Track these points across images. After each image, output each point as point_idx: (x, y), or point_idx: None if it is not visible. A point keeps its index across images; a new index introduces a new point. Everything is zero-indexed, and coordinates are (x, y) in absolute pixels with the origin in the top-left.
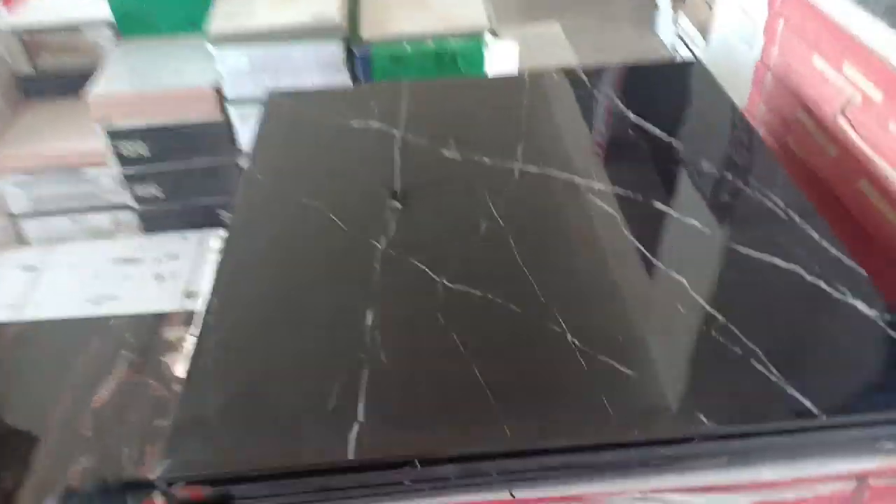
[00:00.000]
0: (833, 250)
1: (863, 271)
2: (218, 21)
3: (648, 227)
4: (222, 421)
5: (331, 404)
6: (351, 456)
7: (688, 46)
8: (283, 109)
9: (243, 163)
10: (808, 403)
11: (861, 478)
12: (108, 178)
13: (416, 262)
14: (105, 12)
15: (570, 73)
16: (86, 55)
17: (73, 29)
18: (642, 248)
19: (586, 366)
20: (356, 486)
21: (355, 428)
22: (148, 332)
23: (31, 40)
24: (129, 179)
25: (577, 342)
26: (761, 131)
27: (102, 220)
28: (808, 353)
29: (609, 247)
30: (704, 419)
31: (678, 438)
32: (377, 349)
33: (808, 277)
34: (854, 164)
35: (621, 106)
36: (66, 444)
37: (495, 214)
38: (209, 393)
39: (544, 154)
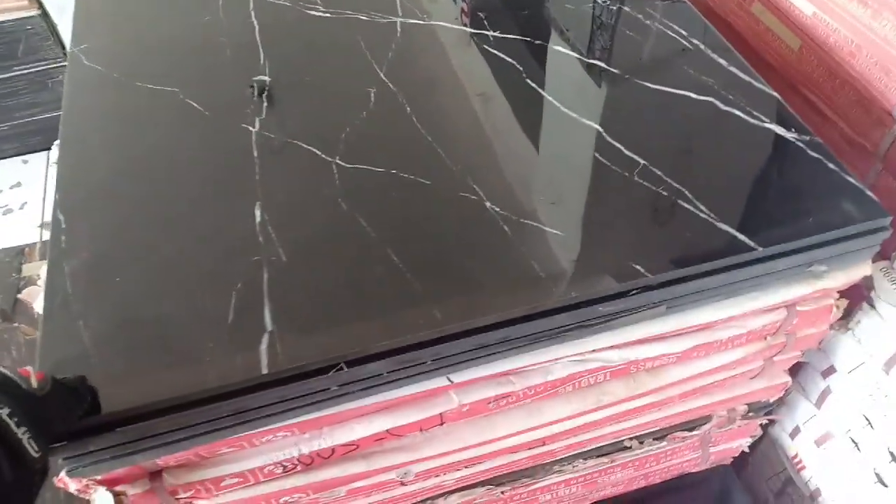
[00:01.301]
0: (744, 76)
1: (776, 94)
2: None
3: (553, 75)
4: (101, 356)
5: (230, 316)
6: (265, 370)
7: None
8: None
9: None
10: (743, 237)
11: (790, 306)
12: None
13: (300, 144)
14: None
15: None
16: None
17: None
18: (550, 98)
19: (510, 232)
20: (276, 401)
21: (265, 339)
22: (6, 271)
23: None
24: None
25: (496, 208)
26: None
27: None
28: (735, 185)
29: (515, 99)
30: (642, 269)
31: (616, 294)
32: (274, 247)
33: (723, 107)
34: None
35: None
36: None
37: (383, 77)
38: (78, 325)
39: (426, 3)
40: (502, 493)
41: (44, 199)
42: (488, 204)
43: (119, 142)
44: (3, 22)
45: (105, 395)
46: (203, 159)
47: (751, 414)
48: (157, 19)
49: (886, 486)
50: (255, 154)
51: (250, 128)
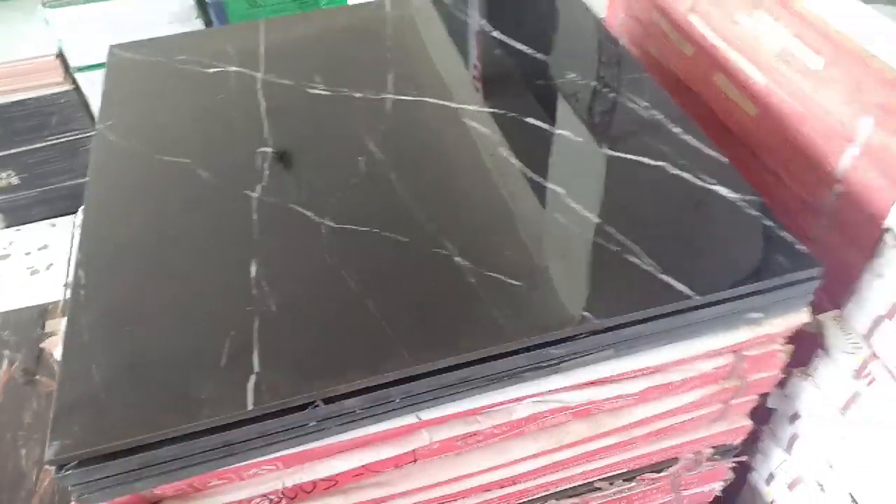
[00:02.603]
0: (695, 143)
1: (724, 158)
2: None
3: (524, 144)
4: (110, 394)
5: (224, 360)
6: (250, 406)
7: None
8: (128, 62)
9: None
10: (680, 286)
11: (737, 351)
12: None
13: (296, 208)
14: None
15: None
16: None
17: None
18: (520, 165)
19: (476, 283)
20: (260, 435)
21: (252, 378)
22: (29, 327)
23: None
24: None
25: (464, 262)
26: (624, 41)
27: None
28: (677, 241)
29: (489, 167)
30: (588, 314)
31: (567, 337)
32: (266, 299)
33: (673, 170)
34: (709, 60)
35: (486, 24)
36: None
37: (372, 149)
38: (91, 368)
39: (416, 82)
40: None
41: (69, 260)
42: (457, 259)
43: (136, 208)
44: (41, 97)
45: (112, 428)
46: (208, 223)
47: (717, 457)
48: (175, 99)
49: None
50: (255, 217)
51: (252, 194)
